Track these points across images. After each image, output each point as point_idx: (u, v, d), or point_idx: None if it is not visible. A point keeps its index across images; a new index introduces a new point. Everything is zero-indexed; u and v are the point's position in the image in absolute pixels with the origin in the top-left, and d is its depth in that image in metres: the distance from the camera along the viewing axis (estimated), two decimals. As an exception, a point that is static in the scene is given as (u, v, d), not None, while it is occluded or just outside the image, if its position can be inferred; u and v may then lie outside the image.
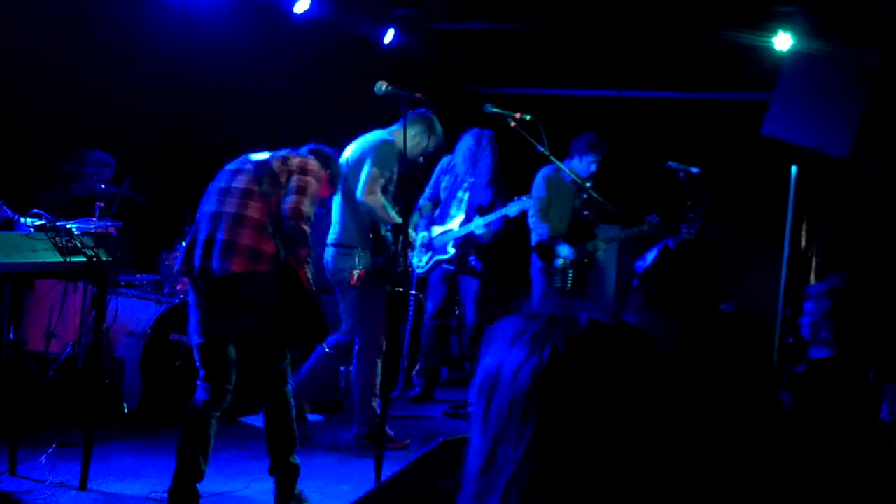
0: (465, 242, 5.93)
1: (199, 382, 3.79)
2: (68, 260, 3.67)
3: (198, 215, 3.89)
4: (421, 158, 5.18)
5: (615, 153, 6.12)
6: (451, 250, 5.92)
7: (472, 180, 5.95)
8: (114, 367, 5.04)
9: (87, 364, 4.63)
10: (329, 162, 4.15)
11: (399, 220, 4.68)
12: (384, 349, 4.86)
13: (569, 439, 1.02)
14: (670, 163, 5.58)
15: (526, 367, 1.04)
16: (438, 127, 5.12)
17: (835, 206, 7.15)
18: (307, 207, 3.76)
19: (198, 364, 3.80)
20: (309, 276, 3.81)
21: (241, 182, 3.82)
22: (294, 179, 3.81)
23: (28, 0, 5.12)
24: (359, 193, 4.84)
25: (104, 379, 4.86)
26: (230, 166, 3.97)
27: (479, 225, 5.81)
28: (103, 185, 5.11)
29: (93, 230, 4.00)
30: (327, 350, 5.00)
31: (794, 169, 6.06)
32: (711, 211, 5.69)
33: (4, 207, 3.92)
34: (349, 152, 5.06)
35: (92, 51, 5.59)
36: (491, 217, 5.77)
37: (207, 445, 3.74)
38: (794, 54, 5.76)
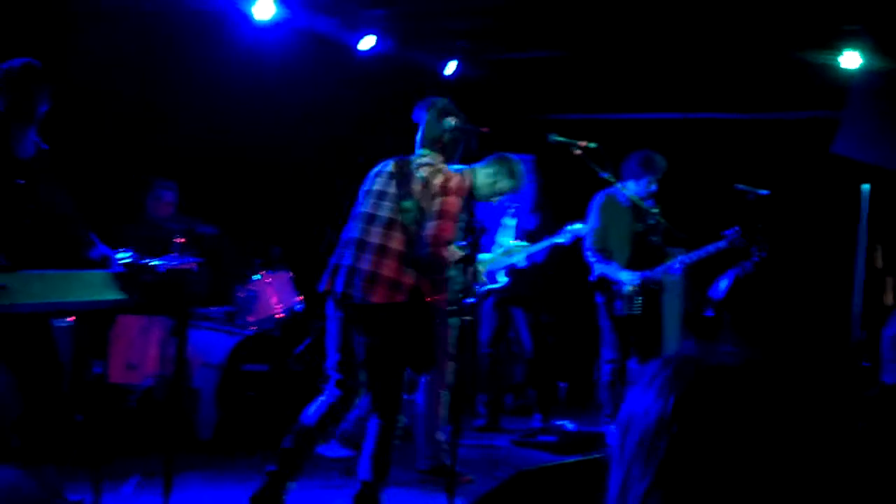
0: (519, 272, 5.90)
1: (328, 387, 3.96)
2: (153, 297, 3.78)
3: (342, 238, 4.02)
4: (496, 201, 5.12)
5: (682, 177, 6.04)
6: (503, 279, 5.89)
7: (517, 206, 5.91)
8: (190, 398, 5.16)
9: (167, 395, 4.75)
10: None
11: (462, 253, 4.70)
12: (451, 381, 4.86)
13: (688, 478, 1.06)
14: (738, 185, 5.52)
15: (653, 410, 1.09)
16: (518, 171, 4.90)
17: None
18: (448, 233, 3.81)
19: (331, 372, 3.97)
20: (440, 300, 3.91)
21: (385, 210, 3.91)
22: (436, 203, 3.83)
23: (104, 38, 5.30)
24: None
25: (182, 409, 4.98)
26: (373, 186, 4.02)
27: (522, 258, 5.75)
28: (170, 212, 5.24)
29: (175, 266, 4.11)
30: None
31: (865, 188, 5.96)
32: (781, 232, 5.61)
33: (101, 245, 4.04)
34: None
35: (163, 84, 5.77)
36: (538, 247, 5.71)
37: (308, 458, 3.92)
38: (863, 73, 5.69)
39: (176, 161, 5.83)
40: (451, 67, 7.29)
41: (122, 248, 3.86)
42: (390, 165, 4.05)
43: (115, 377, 5.04)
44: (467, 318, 5.94)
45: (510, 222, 5.95)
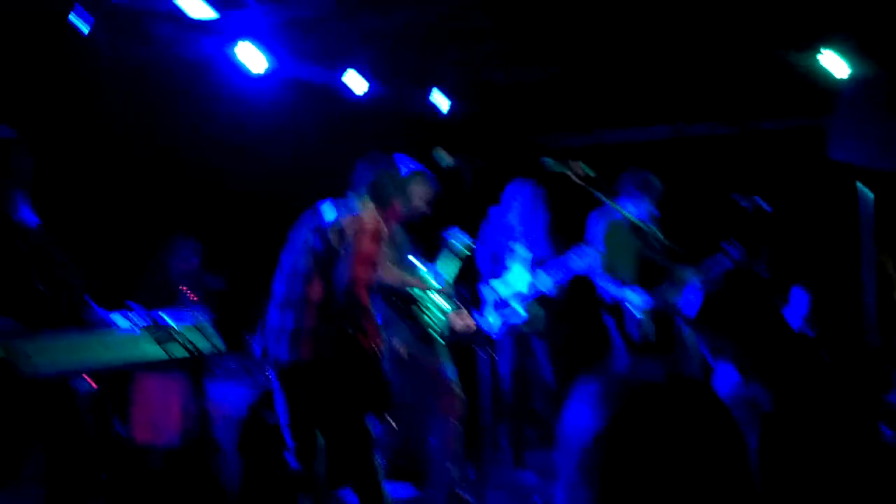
0: (536, 302, 5.83)
1: (287, 455, 3.90)
2: (171, 356, 3.81)
3: (271, 296, 3.95)
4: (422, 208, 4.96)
5: (679, 192, 6.04)
6: (523, 312, 5.75)
7: (526, 233, 5.80)
8: (213, 452, 5.16)
9: (191, 452, 4.76)
10: (389, 188, 4.08)
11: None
12: (462, 412, 4.83)
13: (628, 495, 1.07)
14: (736, 196, 5.52)
15: (589, 428, 1.11)
16: (420, 177, 4.90)
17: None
18: (362, 272, 3.66)
19: (287, 440, 3.90)
20: (376, 345, 3.74)
21: (302, 264, 3.84)
22: (348, 246, 3.71)
23: (117, 95, 5.40)
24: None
25: (207, 465, 4.98)
26: (297, 240, 3.96)
27: (546, 282, 5.66)
28: (191, 272, 5.29)
29: (189, 323, 4.15)
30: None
31: (866, 191, 5.98)
32: (782, 243, 5.61)
33: (96, 307, 4.07)
34: None
35: (161, 136, 5.84)
36: (558, 273, 5.62)
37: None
38: (851, 78, 5.76)
39: (174, 211, 5.88)
40: (443, 105, 7.37)
41: (130, 303, 3.89)
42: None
43: (139, 436, 5.06)
44: (482, 349, 5.92)
45: (522, 251, 5.82)
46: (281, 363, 3.77)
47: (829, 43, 5.87)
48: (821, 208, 6.86)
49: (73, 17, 4.65)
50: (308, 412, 3.83)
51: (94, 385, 3.93)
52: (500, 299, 5.80)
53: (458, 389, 4.87)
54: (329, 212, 3.97)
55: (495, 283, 5.79)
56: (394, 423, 4.89)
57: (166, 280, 5.38)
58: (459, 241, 5.23)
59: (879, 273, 5.82)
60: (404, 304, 4.79)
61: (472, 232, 5.44)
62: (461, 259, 5.25)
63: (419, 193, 4.77)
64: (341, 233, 3.79)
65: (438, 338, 4.85)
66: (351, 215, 3.89)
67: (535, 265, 5.76)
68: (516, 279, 5.77)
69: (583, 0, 5.59)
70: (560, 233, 5.91)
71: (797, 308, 5.85)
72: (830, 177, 6.35)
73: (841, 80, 5.90)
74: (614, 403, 1.11)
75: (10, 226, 3.67)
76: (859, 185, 5.26)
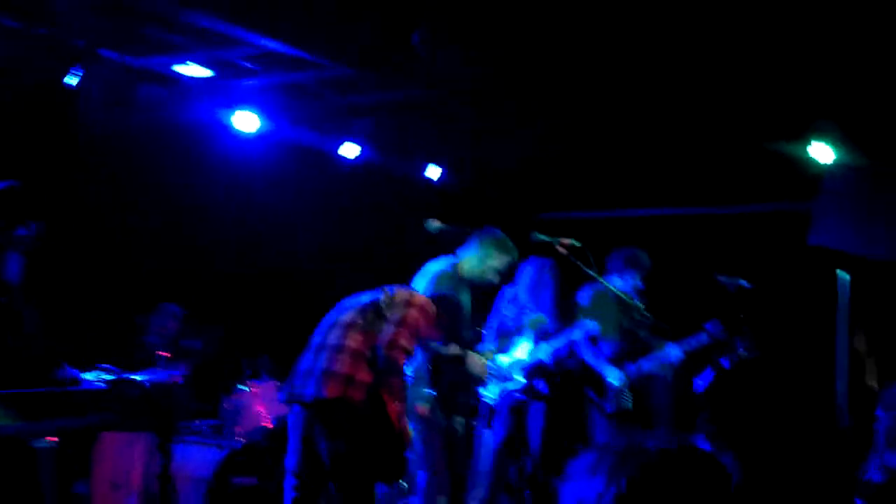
0: (534, 370, 5.85)
1: (286, 488, 3.88)
2: (136, 413, 3.74)
3: (307, 346, 4.04)
4: (496, 279, 5.13)
5: (664, 270, 6.11)
6: (521, 379, 5.72)
7: (534, 308, 5.89)
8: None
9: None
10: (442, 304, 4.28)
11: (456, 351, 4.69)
12: (449, 486, 4.77)
13: None
14: (719, 276, 5.57)
15: (607, 495, 1.15)
16: (507, 243, 5.07)
17: (890, 309, 7.06)
18: (405, 340, 3.84)
19: (289, 476, 3.89)
20: (399, 409, 3.86)
21: (346, 316, 3.98)
22: (399, 311, 3.92)
23: (93, 164, 5.42)
24: None
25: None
26: (344, 302, 4.12)
27: (546, 351, 5.69)
28: (168, 337, 5.23)
29: (159, 381, 4.08)
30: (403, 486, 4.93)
31: (844, 276, 6.04)
32: (762, 322, 5.64)
33: (68, 367, 4.01)
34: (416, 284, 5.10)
35: (149, 199, 5.86)
36: (557, 342, 5.64)
37: None
38: (835, 165, 5.85)
39: (161, 273, 5.85)
40: (434, 173, 7.43)
41: (103, 364, 3.83)
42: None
43: (99, 498, 4.92)
44: (485, 423, 5.90)
45: (529, 325, 5.82)
46: (305, 400, 3.81)
47: (814, 131, 5.98)
48: (801, 291, 6.90)
49: (67, 78, 4.69)
50: (321, 458, 3.81)
51: (55, 443, 3.84)
52: (502, 372, 5.84)
53: (451, 462, 4.85)
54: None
55: (501, 356, 5.82)
56: (405, 489, 4.85)
57: (143, 344, 5.31)
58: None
59: (852, 356, 5.84)
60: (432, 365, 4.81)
61: (476, 307, 5.53)
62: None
63: (495, 265, 4.97)
64: (392, 300, 3.99)
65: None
66: (403, 289, 4.13)
67: (541, 338, 5.80)
68: (519, 350, 5.79)
69: (576, 85, 5.72)
70: (568, 305, 5.96)
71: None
72: (811, 260, 6.42)
73: (825, 168, 5.99)
74: (626, 474, 1.16)
75: None
76: (838, 272, 5.31)
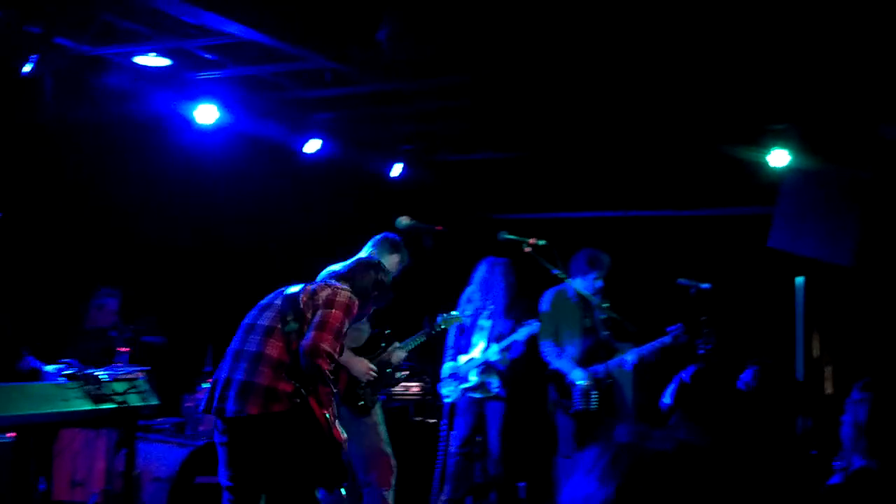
0: (486, 370, 5.92)
1: None
2: (99, 408, 3.71)
3: (225, 353, 3.86)
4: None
5: (625, 272, 6.19)
6: (474, 378, 5.87)
7: (493, 308, 5.95)
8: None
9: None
10: (370, 273, 4.04)
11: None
12: (392, 480, 4.77)
13: None
14: (681, 280, 5.67)
15: (597, 497, 1.12)
16: (397, 245, 4.93)
17: (845, 314, 7.20)
18: (328, 345, 3.61)
19: (225, 493, 3.76)
20: (329, 416, 3.67)
21: (266, 319, 3.77)
22: (318, 314, 3.69)
23: (48, 148, 5.35)
24: None
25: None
26: (263, 301, 3.91)
27: (494, 352, 5.81)
28: (113, 320, 5.18)
29: (121, 375, 4.05)
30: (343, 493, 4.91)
31: (799, 280, 6.16)
32: (722, 325, 5.73)
33: (30, 358, 3.98)
34: None
35: (108, 189, 5.79)
36: (504, 343, 5.76)
37: None
38: (792, 170, 5.97)
39: (120, 266, 5.80)
40: (396, 170, 7.45)
41: (64, 358, 3.80)
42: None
43: (60, 494, 4.86)
44: (444, 422, 5.92)
45: (485, 324, 5.93)
46: (226, 415, 3.63)
47: (773, 135, 6.10)
48: (762, 294, 7.02)
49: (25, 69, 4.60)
50: (251, 473, 3.68)
51: (14, 438, 3.80)
52: (456, 369, 5.91)
53: (391, 458, 4.81)
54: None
55: (460, 356, 5.93)
56: (345, 495, 4.80)
57: (87, 331, 5.24)
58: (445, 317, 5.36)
59: (808, 361, 5.96)
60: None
61: (439, 302, 5.53)
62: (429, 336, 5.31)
63: (392, 264, 4.79)
64: (313, 299, 3.75)
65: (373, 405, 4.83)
66: (325, 283, 3.87)
67: (494, 338, 5.88)
68: (475, 350, 5.90)
69: (539, 88, 5.78)
70: (523, 306, 6.01)
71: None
72: (772, 264, 6.54)
73: (782, 171, 6.12)
74: (624, 472, 1.13)
75: None
76: (797, 279, 5.43)
